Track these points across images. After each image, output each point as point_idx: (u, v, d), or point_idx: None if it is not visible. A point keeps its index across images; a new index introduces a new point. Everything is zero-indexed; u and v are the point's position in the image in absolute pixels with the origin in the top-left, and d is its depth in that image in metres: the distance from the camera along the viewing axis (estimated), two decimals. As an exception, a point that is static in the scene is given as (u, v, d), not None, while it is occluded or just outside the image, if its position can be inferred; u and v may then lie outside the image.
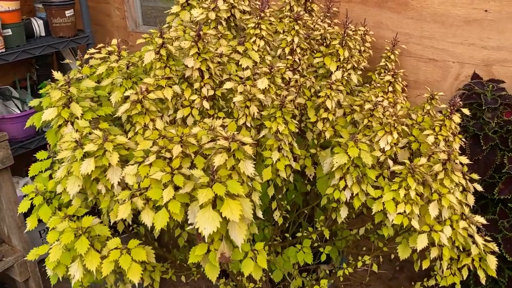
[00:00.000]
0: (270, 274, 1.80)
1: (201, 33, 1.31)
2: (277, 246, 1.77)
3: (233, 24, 1.77)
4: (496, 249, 1.44)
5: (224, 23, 1.63)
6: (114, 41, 1.75)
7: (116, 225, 1.52)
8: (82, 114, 1.39)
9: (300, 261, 1.64)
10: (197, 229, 1.08)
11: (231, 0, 1.71)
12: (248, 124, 1.33)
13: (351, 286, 2.52)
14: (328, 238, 1.60)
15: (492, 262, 1.44)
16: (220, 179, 1.10)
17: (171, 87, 1.39)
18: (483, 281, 1.47)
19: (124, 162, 1.30)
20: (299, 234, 1.64)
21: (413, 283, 1.69)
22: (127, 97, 1.35)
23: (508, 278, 1.85)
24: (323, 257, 1.68)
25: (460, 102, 1.48)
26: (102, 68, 1.57)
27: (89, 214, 1.38)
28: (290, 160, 1.32)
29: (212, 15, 1.57)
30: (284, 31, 1.64)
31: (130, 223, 1.29)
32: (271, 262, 1.77)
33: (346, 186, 1.31)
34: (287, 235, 1.73)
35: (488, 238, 1.46)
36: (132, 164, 1.20)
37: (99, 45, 1.78)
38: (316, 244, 1.72)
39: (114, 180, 1.21)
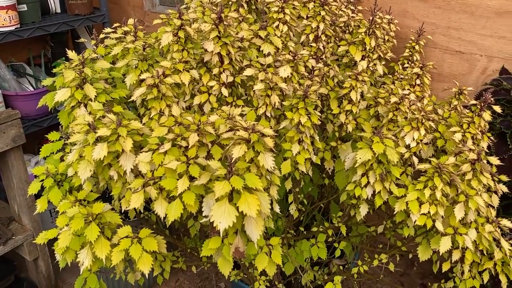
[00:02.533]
0: (282, 266, 1.76)
1: (222, 15, 1.25)
2: (290, 239, 1.73)
3: (254, 7, 1.70)
4: (520, 253, 1.38)
5: (245, 5, 1.56)
6: (131, 21, 1.69)
7: (127, 211, 1.49)
8: (96, 96, 1.34)
9: (314, 256, 1.60)
10: (212, 222, 1.04)
11: (253, -19, 1.63)
12: (268, 114, 1.27)
13: (363, 281, 2.48)
14: (345, 235, 1.55)
15: (516, 267, 1.38)
16: (238, 172, 1.05)
17: (188, 71, 1.33)
18: (504, 287, 1.41)
19: (137, 148, 1.26)
20: (314, 229, 1.59)
21: (429, 283, 1.64)
22: (142, 80, 1.30)
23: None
24: (338, 253, 1.63)
25: (492, 99, 1.40)
26: (117, 49, 1.52)
27: (100, 198, 1.34)
28: (311, 154, 1.26)
29: (233, -3, 1.50)
30: (308, 17, 1.57)
31: (142, 210, 1.25)
32: (283, 255, 1.73)
33: (368, 183, 1.25)
34: (301, 228, 1.68)
35: (514, 243, 1.40)
36: (146, 151, 1.15)
37: (115, 25, 1.73)
38: (330, 239, 1.67)
39: (127, 167, 1.17)
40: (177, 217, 1.10)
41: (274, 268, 1.23)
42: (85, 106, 1.36)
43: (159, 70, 1.22)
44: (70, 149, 1.33)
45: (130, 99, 1.36)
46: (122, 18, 1.77)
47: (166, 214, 1.09)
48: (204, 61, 1.32)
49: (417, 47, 1.96)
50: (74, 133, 1.24)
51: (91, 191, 1.36)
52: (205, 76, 1.32)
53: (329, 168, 1.50)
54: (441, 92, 2.19)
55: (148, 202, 1.22)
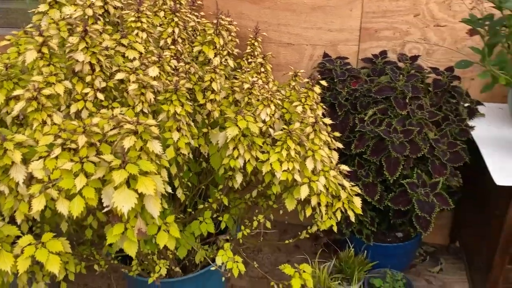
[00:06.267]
0: (176, 252, 1.93)
1: (88, 28, 1.37)
2: (179, 224, 1.91)
3: (107, 20, 1.83)
4: (360, 191, 1.79)
5: (101, 18, 1.69)
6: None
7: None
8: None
9: (203, 231, 1.81)
10: (110, 215, 1.17)
11: (103, -4, 1.77)
12: (145, 110, 1.43)
13: (248, 251, 2.78)
14: (227, 204, 1.79)
15: (357, 202, 1.77)
16: (131, 161, 1.21)
17: (60, 82, 1.42)
18: (352, 219, 1.80)
19: (22, 161, 1.31)
20: (200, 206, 1.81)
21: (299, 232, 1.98)
22: (14, 97, 1.35)
23: (370, 217, 2.27)
24: (223, 225, 1.87)
25: (319, 76, 1.79)
26: (-24, 71, 1.51)
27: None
28: (189, 139, 1.47)
29: (90, 12, 1.62)
30: (160, 24, 1.77)
31: (38, 218, 1.30)
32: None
33: (239, 154, 1.51)
34: (189, 210, 1.88)
35: (353, 183, 1.81)
36: (37, 160, 1.23)
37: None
38: (215, 215, 1.90)
39: (19, 178, 1.22)
40: (79, 213, 1.21)
41: (173, 242, 1.41)
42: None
43: (35, 84, 1.30)
44: None
45: None
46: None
47: (69, 212, 1.19)
48: (76, 71, 1.42)
49: (256, 43, 2.30)
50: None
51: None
52: (79, 84, 1.43)
53: (205, 152, 1.73)
54: (281, 78, 2.60)
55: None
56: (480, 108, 2.30)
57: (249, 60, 2.25)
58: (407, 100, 2.08)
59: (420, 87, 2.23)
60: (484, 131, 2.14)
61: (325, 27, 2.52)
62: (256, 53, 2.24)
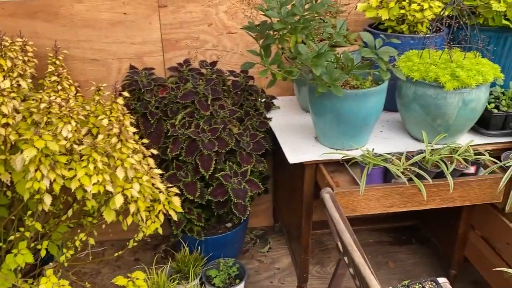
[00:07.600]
0: (-8, 293, 1.78)
1: None
2: (-8, 263, 1.77)
3: None
4: (177, 191, 1.91)
5: None
6: None
7: None
8: None
9: (20, 263, 1.71)
10: None
11: None
12: None
13: (86, 276, 2.68)
14: (42, 231, 1.72)
15: (176, 201, 1.89)
16: None
17: None
18: (175, 218, 1.91)
19: None
20: (12, 237, 1.70)
21: (127, 243, 2.01)
22: None
23: (197, 214, 2.42)
24: (43, 253, 1.79)
25: (120, 88, 1.85)
26: None
27: None
28: (-21, 167, 1.39)
29: None
30: None
31: None
32: (-10, 281, 1.76)
33: (43, 175, 1.48)
34: (1, 244, 1.74)
35: (171, 185, 1.92)
36: None
37: None
38: (32, 245, 1.81)
39: None
40: None
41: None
42: None
43: None
44: None
45: None
46: None
47: None
48: None
49: (57, 62, 2.24)
50: None
51: None
52: None
53: (7, 180, 1.64)
54: (89, 95, 2.57)
55: None
56: (275, 102, 2.65)
57: (52, 79, 2.19)
58: (209, 102, 2.28)
59: (222, 89, 2.47)
60: (279, 120, 2.48)
61: (128, 40, 2.59)
62: (59, 72, 2.18)
